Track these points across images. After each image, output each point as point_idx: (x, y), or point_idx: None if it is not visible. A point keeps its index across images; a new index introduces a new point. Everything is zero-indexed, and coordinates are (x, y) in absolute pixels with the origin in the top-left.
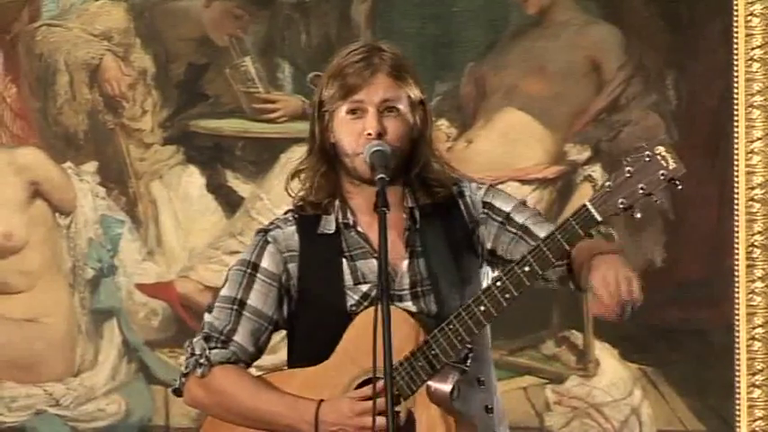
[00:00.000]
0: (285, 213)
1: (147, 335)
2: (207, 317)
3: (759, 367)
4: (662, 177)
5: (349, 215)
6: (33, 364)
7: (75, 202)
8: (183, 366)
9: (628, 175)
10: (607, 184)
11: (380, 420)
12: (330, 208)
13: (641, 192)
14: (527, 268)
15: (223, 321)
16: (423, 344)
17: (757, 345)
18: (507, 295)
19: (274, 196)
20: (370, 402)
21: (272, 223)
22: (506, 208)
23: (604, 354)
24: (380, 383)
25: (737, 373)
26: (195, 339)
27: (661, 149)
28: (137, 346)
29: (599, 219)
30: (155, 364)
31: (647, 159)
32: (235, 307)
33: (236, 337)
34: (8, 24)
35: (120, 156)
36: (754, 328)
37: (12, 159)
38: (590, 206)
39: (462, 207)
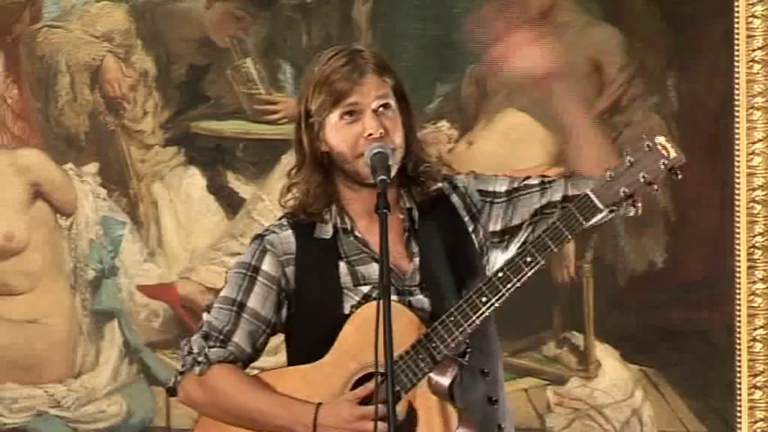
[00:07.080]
0: (279, 219)
1: (148, 336)
2: (206, 316)
3: (760, 368)
4: (663, 166)
5: (347, 220)
6: (34, 366)
7: (76, 204)
8: (179, 365)
9: (628, 164)
10: (608, 173)
11: (380, 426)
12: (326, 216)
13: (642, 180)
14: (528, 258)
15: (222, 321)
16: (423, 336)
17: (758, 346)
18: (508, 285)
19: (275, 197)
20: (371, 407)
21: (266, 229)
22: (501, 188)
23: (605, 355)
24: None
25: (738, 375)
26: (193, 338)
27: (661, 139)
28: (138, 347)
29: (601, 207)
30: (156, 365)
31: (648, 149)
32: (234, 308)
33: (235, 338)
34: (9, 26)
35: (121, 157)
36: (755, 330)
37: (13, 160)
38: (591, 195)
39: (458, 199)
